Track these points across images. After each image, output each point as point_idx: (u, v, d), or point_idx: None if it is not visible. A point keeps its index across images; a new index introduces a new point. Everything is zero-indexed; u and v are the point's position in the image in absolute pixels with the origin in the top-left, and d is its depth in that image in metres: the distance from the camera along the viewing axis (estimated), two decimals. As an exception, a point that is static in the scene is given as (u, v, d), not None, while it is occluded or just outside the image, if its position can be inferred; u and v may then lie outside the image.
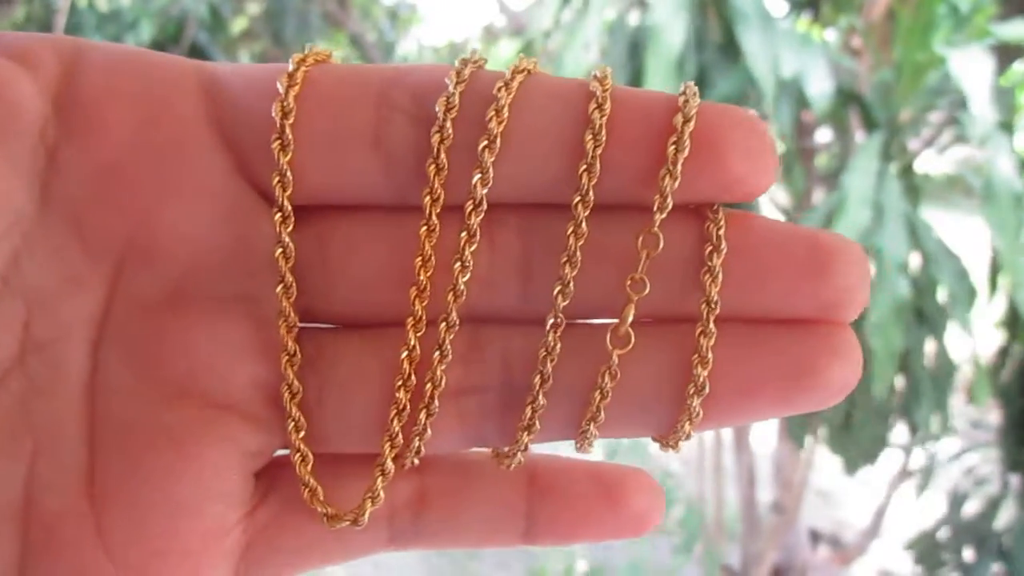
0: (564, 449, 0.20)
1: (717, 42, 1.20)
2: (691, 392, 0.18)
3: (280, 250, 0.19)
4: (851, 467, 1.27)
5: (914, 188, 1.24)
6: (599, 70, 0.18)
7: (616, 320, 0.18)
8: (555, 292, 0.18)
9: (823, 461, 1.53)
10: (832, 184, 1.35)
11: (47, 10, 2.58)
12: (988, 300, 1.31)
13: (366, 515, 0.19)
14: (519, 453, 0.19)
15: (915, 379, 1.19)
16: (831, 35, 1.55)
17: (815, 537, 2.01)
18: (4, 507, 0.18)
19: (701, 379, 0.18)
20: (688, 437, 0.19)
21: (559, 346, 0.18)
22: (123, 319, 0.18)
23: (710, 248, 0.18)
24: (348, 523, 0.19)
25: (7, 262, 0.18)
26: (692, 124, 0.17)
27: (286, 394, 0.19)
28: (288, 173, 0.18)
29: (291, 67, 0.19)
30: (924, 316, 1.19)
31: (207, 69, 0.19)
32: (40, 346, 0.18)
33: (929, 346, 1.22)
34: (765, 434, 1.86)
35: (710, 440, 1.68)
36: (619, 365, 0.18)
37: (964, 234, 1.45)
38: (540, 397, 0.18)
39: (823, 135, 1.59)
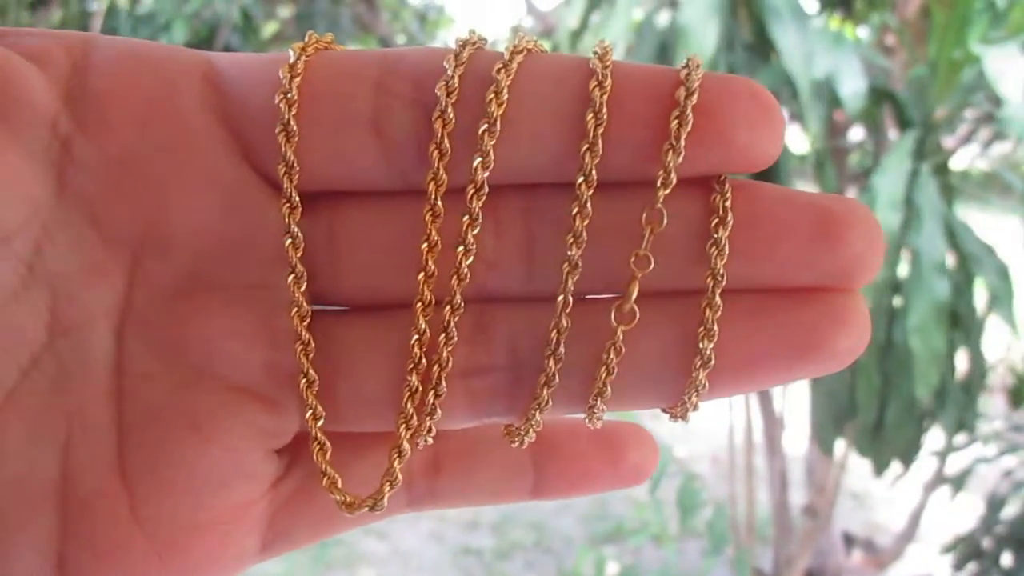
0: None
1: (747, 42, 1.19)
2: (697, 366, 0.18)
3: (289, 240, 0.19)
4: (880, 469, 1.26)
5: (949, 187, 1.22)
6: (599, 47, 0.18)
7: (620, 295, 0.18)
8: (564, 272, 0.18)
9: (856, 463, 1.51)
10: (865, 183, 1.33)
11: (83, 13, 2.62)
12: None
13: (385, 499, 0.20)
14: (531, 431, 0.19)
15: (944, 382, 1.17)
16: (864, 32, 1.52)
17: (849, 541, 1.99)
18: (43, 485, 0.18)
19: (707, 352, 0.18)
20: (696, 408, 0.19)
21: (568, 325, 0.18)
22: (144, 307, 0.19)
23: (716, 220, 0.18)
24: (367, 509, 0.20)
25: (31, 250, 0.18)
26: (695, 97, 0.17)
27: (303, 383, 0.19)
28: (294, 162, 0.19)
29: (293, 56, 0.19)
30: (959, 318, 1.17)
31: (211, 60, 0.19)
32: (67, 331, 0.18)
33: (964, 349, 1.19)
34: (797, 436, 1.84)
35: (741, 442, 1.66)
36: (625, 340, 0.18)
37: (1002, 233, 1.42)
38: (556, 377, 0.19)
39: (856, 133, 1.57)
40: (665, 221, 0.18)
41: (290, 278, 0.19)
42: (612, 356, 0.18)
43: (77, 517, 0.19)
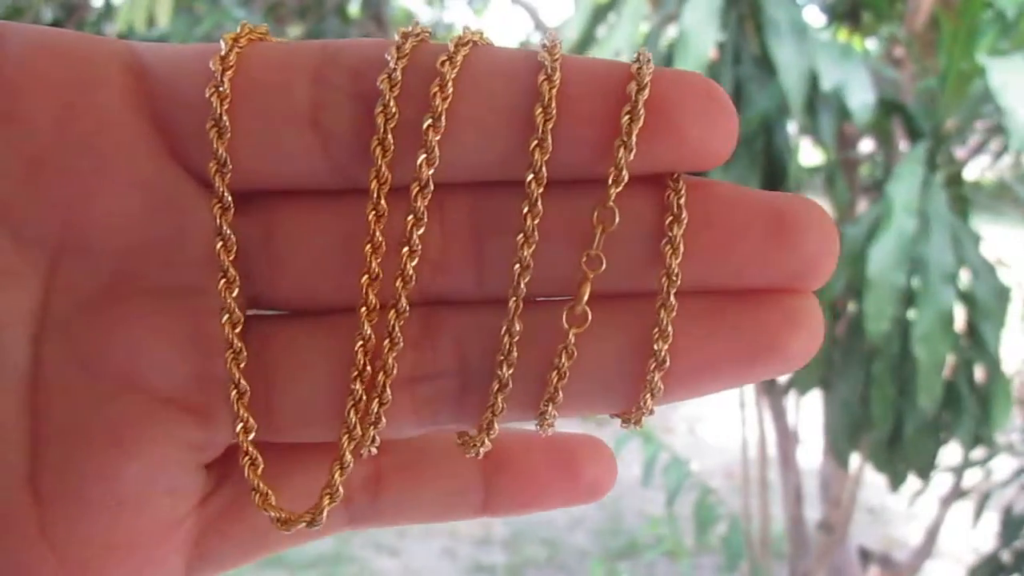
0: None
1: (754, 55, 1.19)
2: (652, 368, 0.17)
3: (221, 243, 0.18)
4: (896, 483, 1.24)
5: (962, 198, 1.22)
6: (547, 39, 0.18)
7: (572, 297, 0.18)
8: (515, 274, 0.17)
9: (872, 477, 1.50)
10: (876, 195, 1.33)
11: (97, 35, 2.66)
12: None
13: (324, 514, 0.19)
14: (487, 440, 0.19)
15: (960, 395, 1.16)
16: (872, 44, 1.52)
17: (865, 556, 1.96)
18: None
19: (662, 354, 0.17)
20: (651, 412, 0.18)
21: (520, 328, 0.18)
22: (63, 313, 0.18)
23: (670, 218, 0.17)
24: (304, 525, 0.19)
25: None
26: (647, 92, 0.17)
27: (233, 394, 0.18)
28: (227, 160, 0.18)
29: (224, 47, 0.18)
30: (975, 330, 1.16)
31: (134, 50, 0.18)
32: None
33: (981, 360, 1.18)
34: (812, 449, 1.82)
35: (755, 456, 1.65)
36: (578, 343, 0.18)
37: (1017, 244, 1.41)
38: (509, 382, 0.18)
39: (867, 145, 1.56)
40: (617, 220, 0.17)
41: (221, 283, 0.18)
42: (564, 360, 0.18)
43: None
